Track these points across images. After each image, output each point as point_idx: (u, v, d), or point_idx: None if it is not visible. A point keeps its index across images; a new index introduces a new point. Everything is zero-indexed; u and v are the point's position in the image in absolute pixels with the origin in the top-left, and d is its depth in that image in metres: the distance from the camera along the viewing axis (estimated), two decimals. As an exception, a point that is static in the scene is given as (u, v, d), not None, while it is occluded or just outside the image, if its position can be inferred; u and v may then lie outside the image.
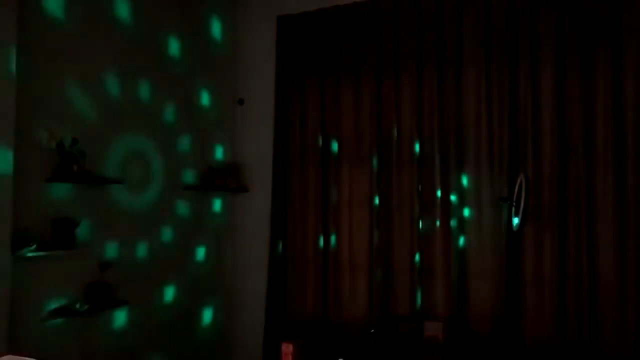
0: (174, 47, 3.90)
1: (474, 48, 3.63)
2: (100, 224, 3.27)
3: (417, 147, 3.79)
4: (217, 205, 4.37)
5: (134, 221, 3.53)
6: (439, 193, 3.70)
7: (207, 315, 4.26)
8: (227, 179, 4.31)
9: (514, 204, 3.15)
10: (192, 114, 4.10)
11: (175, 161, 3.90)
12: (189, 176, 4.05)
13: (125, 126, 3.46)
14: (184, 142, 4.01)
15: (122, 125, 3.44)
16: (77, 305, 3.07)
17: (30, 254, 2.77)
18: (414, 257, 3.76)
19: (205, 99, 4.25)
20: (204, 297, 4.21)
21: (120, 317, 3.43)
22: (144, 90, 3.62)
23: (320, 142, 4.11)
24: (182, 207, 3.98)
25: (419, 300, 3.72)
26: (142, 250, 3.60)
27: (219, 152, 4.39)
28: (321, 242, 4.06)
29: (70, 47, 3.10)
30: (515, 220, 3.09)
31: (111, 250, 3.35)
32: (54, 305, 3.00)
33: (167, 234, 3.82)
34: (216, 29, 4.39)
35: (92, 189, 3.22)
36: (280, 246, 4.21)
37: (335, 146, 4.09)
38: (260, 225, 4.35)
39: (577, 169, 3.34)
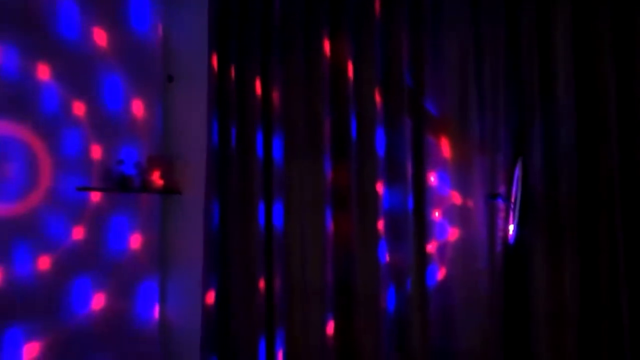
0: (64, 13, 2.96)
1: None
2: None
3: (381, 133, 2.95)
4: (129, 215, 3.33)
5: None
6: (411, 192, 2.86)
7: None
8: (148, 176, 3.33)
9: (512, 204, 2.15)
10: (93, 97, 3.14)
11: (60, 155, 2.89)
12: (85, 175, 3.02)
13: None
14: (76, 132, 3.00)
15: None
16: None
17: None
18: (379, 282, 2.88)
19: (114, 78, 3.28)
20: None
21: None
22: (8, 60, 2.67)
23: (262, 131, 3.23)
24: (66, 220, 2.91)
25: (386, 342, 2.84)
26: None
27: (136, 144, 3.40)
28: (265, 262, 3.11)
29: None
30: (511, 228, 2.09)
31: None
32: None
33: (30, 259, 2.70)
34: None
35: None
36: (217, 273, 3.23)
37: (280, 136, 3.17)
38: (194, 240, 3.39)
39: (609, 156, 2.65)
